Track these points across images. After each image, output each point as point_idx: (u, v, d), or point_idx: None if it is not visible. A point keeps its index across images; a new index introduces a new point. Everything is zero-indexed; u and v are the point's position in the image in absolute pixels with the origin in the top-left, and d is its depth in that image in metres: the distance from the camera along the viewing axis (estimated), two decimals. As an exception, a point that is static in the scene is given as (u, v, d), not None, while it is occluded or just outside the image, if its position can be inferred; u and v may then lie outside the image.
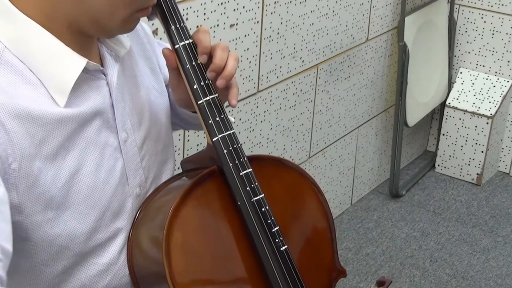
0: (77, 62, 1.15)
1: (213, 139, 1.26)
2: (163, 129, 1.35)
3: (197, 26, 2.17)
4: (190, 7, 2.14)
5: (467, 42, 3.54)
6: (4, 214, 1.05)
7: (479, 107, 3.46)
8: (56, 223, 1.16)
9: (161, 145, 1.35)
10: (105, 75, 1.22)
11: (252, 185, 1.27)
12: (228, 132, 1.26)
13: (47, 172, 1.13)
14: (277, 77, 2.60)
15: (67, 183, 1.16)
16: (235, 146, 1.27)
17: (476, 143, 3.48)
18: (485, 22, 3.47)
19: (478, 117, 3.45)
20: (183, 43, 1.26)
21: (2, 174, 1.07)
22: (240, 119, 2.48)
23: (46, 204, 1.14)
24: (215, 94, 1.27)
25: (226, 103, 1.33)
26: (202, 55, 1.26)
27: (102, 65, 1.22)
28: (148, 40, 1.38)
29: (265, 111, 2.59)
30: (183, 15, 2.12)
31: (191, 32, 1.28)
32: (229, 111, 2.29)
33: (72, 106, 1.16)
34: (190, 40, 1.27)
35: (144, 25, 1.39)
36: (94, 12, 1.12)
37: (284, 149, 2.76)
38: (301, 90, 2.74)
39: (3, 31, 1.12)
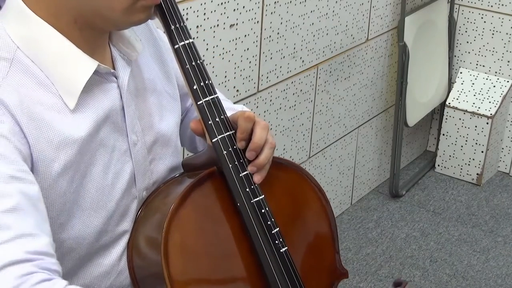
0: (87, 65, 1.15)
1: (213, 140, 1.25)
2: (173, 134, 1.35)
3: (197, 26, 2.17)
4: (190, 7, 2.14)
5: (467, 42, 3.54)
6: (43, 213, 1.07)
7: (479, 107, 3.46)
8: (66, 227, 1.16)
9: (170, 150, 1.34)
10: (116, 78, 1.22)
11: (252, 186, 1.26)
12: (228, 133, 1.26)
13: (65, 176, 1.14)
14: (277, 77, 2.60)
15: (78, 187, 1.16)
16: (235, 147, 1.26)
17: (476, 143, 3.48)
18: (485, 22, 3.46)
19: (478, 117, 3.45)
20: (183, 43, 1.25)
21: (31, 170, 1.09)
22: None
23: (60, 207, 1.14)
24: (215, 94, 1.26)
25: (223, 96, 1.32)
26: (241, 141, 1.26)
27: (114, 68, 1.22)
28: (164, 45, 1.37)
29: (265, 111, 2.59)
30: (183, 15, 2.11)
31: (191, 32, 1.28)
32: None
33: (83, 109, 1.16)
34: (190, 40, 1.26)
35: (159, 31, 1.39)
36: (94, 4, 1.12)
37: (284, 149, 2.75)
38: (301, 90, 2.74)
39: (16, 32, 1.13)
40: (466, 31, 3.53)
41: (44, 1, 1.12)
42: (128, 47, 1.25)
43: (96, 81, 1.18)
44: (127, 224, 1.26)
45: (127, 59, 1.24)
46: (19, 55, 1.12)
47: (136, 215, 1.28)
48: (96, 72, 1.17)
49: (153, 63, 1.33)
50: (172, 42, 1.25)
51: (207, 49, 2.24)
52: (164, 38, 1.38)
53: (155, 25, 1.38)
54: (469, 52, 3.55)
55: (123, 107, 1.22)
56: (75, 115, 1.15)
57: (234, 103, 2.41)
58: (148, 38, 1.34)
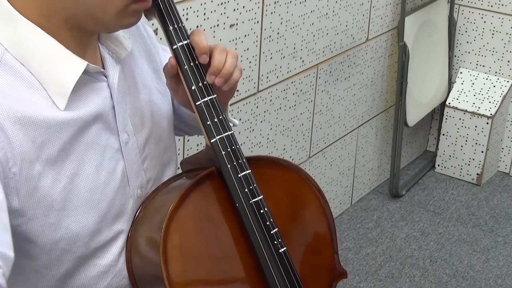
0: (76, 65, 1.15)
1: (212, 141, 1.25)
2: (165, 131, 1.35)
3: (197, 26, 2.17)
4: (190, 7, 2.14)
5: (467, 42, 3.54)
6: (3, 222, 1.05)
7: (479, 107, 3.46)
8: (58, 227, 1.16)
9: (163, 147, 1.34)
10: (106, 77, 1.22)
11: (251, 187, 1.26)
12: (227, 133, 1.26)
13: (48, 176, 1.13)
14: (277, 77, 2.60)
15: (66, 186, 1.15)
16: (233, 147, 1.26)
17: (476, 143, 3.48)
18: (485, 22, 3.46)
19: (478, 117, 3.45)
20: (181, 43, 1.25)
21: (2, 178, 1.07)
22: (240, 119, 2.48)
23: (47, 208, 1.13)
24: (213, 95, 1.26)
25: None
26: (202, 55, 1.25)
27: (103, 67, 1.22)
28: (151, 41, 1.37)
29: (265, 111, 2.59)
30: (183, 15, 2.11)
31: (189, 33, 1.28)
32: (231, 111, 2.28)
33: (73, 109, 1.15)
34: (189, 40, 1.26)
35: (147, 26, 1.39)
36: (88, 5, 1.11)
37: (284, 149, 2.75)
38: (301, 90, 2.74)
39: (3, 34, 1.12)
40: (466, 31, 3.53)
41: (35, 2, 1.12)
42: (117, 45, 1.24)
43: (86, 80, 1.18)
44: (123, 224, 1.26)
45: (116, 57, 1.24)
46: (6, 57, 1.11)
47: (135, 216, 1.28)
48: (85, 72, 1.16)
49: (142, 60, 1.33)
50: (171, 42, 1.25)
51: (207, 49, 2.24)
52: (150, 32, 1.38)
53: (144, 22, 1.38)
54: (469, 52, 3.55)
55: (113, 106, 1.22)
56: (64, 115, 1.14)
57: (234, 103, 2.42)
58: (137, 35, 1.33)
